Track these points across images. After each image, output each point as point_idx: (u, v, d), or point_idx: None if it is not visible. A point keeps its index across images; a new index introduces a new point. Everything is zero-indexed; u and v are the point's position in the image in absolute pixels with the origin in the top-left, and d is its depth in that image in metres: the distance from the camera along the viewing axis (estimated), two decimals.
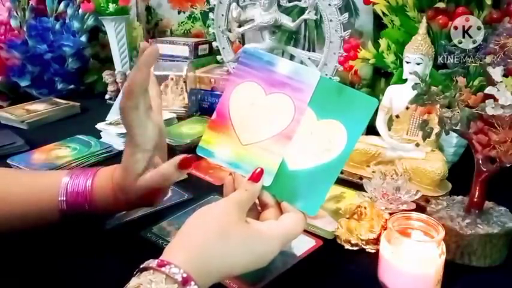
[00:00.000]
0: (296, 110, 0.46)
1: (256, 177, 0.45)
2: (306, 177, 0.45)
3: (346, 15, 0.83)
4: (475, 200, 0.52)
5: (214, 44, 1.04)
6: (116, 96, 1.09)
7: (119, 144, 0.87)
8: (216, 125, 0.50)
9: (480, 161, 0.51)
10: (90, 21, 1.27)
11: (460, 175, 0.60)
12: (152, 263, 0.36)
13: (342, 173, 0.73)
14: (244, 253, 0.41)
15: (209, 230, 0.40)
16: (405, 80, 0.70)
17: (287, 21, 0.91)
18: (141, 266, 0.37)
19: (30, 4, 1.23)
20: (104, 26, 1.24)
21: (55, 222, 0.53)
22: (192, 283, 0.35)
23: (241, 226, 0.42)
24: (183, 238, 0.40)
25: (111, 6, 1.18)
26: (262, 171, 0.46)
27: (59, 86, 1.25)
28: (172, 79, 1.05)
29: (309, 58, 0.94)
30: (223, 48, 1.02)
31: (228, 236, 0.40)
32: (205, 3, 1.26)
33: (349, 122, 0.45)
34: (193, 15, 1.31)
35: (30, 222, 0.53)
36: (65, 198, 0.53)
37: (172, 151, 0.83)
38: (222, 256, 0.40)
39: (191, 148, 0.84)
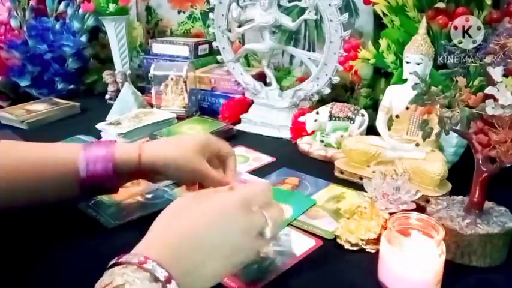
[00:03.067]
0: None
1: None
2: None
3: (346, 15, 0.83)
4: (475, 200, 0.52)
5: (214, 44, 1.04)
6: (116, 96, 1.09)
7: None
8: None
9: (480, 161, 0.51)
10: (90, 21, 1.27)
11: (460, 175, 0.60)
12: (134, 258, 0.36)
13: (342, 173, 0.73)
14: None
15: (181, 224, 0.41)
16: (405, 80, 0.70)
17: (287, 21, 0.91)
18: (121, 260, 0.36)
19: (30, 4, 1.23)
20: (104, 26, 1.24)
21: (73, 194, 0.54)
22: (173, 282, 0.35)
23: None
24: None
25: (111, 6, 1.18)
26: None
27: (59, 86, 1.25)
28: (172, 79, 1.05)
29: (309, 58, 0.94)
30: (223, 48, 1.02)
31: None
32: (205, 3, 1.26)
33: (294, 205, 0.64)
34: (193, 15, 1.31)
35: (48, 195, 0.53)
36: (85, 165, 0.54)
37: None
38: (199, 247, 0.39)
39: None
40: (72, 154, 0.54)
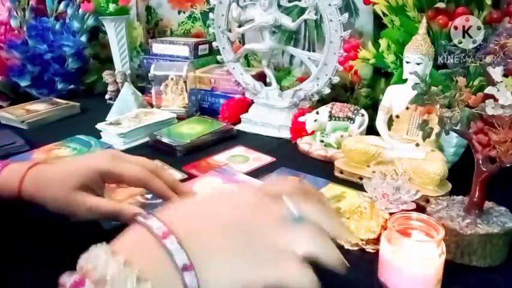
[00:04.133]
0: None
1: None
2: None
3: (346, 15, 0.83)
4: (475, 200, 0.52)
5: (214, 44, 1.04)
6: (116, 96, 1.09)
7: (119, 144, 0.87)
8: None
9: (480, 161, 0.51)
10: (90, 21, 1.27)
11: (460, 175, 0.60)
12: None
13: (342, 172, 0.73)
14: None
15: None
16: (405, 80, 0.70)
17: (287, 21, 0.91)
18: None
19: (30, 4, 1.23)
20: (104, 26, 1.24)
21: None
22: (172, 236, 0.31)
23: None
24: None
25: (111, 6, 1.18)
26: None
27: (59, 86, 1.25)
28: (172, 79, 1.05)
29: (309, 58, 0.94)
30: (223, 48, 1.02)
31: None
32: (205, 3, 1.26)
33: None
34: (193, 15, 1.31)
35: None
36: None
37: (172, 151, 0.83)
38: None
39: (191, 148, 0.84)
40: None
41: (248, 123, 0.98)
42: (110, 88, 1.19)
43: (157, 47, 1.23)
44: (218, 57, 1.06)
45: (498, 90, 0.47)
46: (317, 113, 0.84)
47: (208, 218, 0.35)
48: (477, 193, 0.52)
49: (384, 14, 0.83)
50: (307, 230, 0.35)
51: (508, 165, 0.48)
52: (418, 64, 0.67)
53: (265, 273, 0.33)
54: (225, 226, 0.34)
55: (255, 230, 0.34)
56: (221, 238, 0.33)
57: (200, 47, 1.19)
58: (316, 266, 0.46)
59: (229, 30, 1.00)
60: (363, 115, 0.83)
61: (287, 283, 0.33)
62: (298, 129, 0.88)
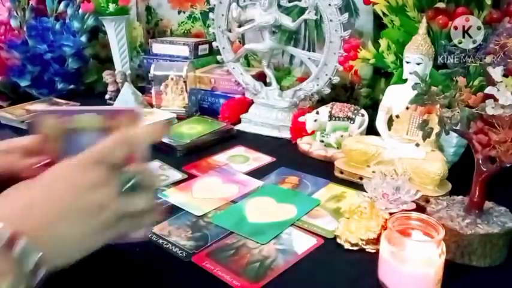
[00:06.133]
0: (239, 191, 0.69)
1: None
2: (262, 225, 0.59)
3: (346, 15, 0.83)
4: (475, 200, 0.52)
5: (214, 44, 1.04)
6: (116, 96, 1.09)
7: None
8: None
9: (480, 161, 0.51)
10: (90, 21, 1.27)
11: (460, 175, 0.60)
12: None
13: (342, 172, 0.73)
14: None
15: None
16: (405, 80, 0.70)
17: (287, 21, 0.91)
18: None
19: (30, 4, 1.23)
20: (104, 26, 1.24)
21: None
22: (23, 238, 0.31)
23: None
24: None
25: (111, 6, 1.18)
26: None
27: (59, 86, 1.25)
28: (172, 79, 1.05)
29: (309, 58, 0.94)
30: (223, 48, 1.02)
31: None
32: (205, 3, 1.26)
33: (298, 205, 0.64)
34: (193, 15, 1.31)
35: None
36: None
37: (172, 151, 0.83)
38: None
39: (191, 148, 0.84)
40: None
41: (248, 123, 0.98)
42: (110, 88, 1.19)
43: (157, 47, 1.23)
44: (218, 57, 1.06)
45: (498, 90, 0.47)
46: (317, 113, 0.84)
47: (49, 205, 0.35)
48: (477, 193, 0.52)
49: (384, 14, 0.83)
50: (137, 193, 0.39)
51: (508, 165, 0.48)
52: (418, 64, 0.67)
53: (106, 238, 0.37)
54: (65, 209, 0.36)
55: (92, 207, 0.36)
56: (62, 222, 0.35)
57: (200, 47, 1.19)
58: (317, 266, 0.47)
59: (229, 30, 1.00)
60: (363, 115, 0.83)
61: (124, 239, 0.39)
62: (298, 129, 0.88)
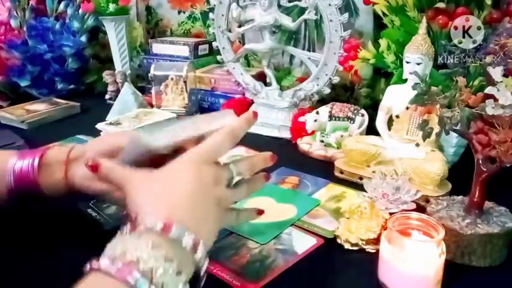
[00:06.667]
0: None
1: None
2: (262, 225, 0.59)
3: (346, 15, 0.83)
4: (475, 200, 0.52)
5: (214, 44, 1.04)
6: (116, 96, 1.09)
7: None
8: None
9: (480, 161, 0.51)
10: (90, 21, 1.27)
11: (460, 175, 0.60)
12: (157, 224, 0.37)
13: (342, 172, 0.73)
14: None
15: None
16: (405, 80, 0.70)
17: (287, 21, 0.91)
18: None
19: (30, 4, 1.23)
20: (104, 26, 1.24)
21: (3, 204, 0.53)
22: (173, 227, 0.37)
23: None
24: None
25: (111, 6, 1.18)
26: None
27: (59, 86, 1.25)
28: (172, 79, 1.05)
29: (309, 58, 0.94)
30: (223, 48, 1.02)
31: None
32: (205, 3, 1.26)
33: (298, 205, 0.64)
34: (193, 15, 1.31)
35: None
36: (12, 178, 0.52)
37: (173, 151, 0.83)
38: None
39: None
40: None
41: None
42: (110, 88, 1.19)
43: (157, 47, 1.23)
44: (218, 57, 1.06)
45: (498, 90, 0.47)
46: (317, 113, 0.84)
47: (185, 198, 0.41)
48: (477, 193, 0.52)
49: (383, 14, 0.83)
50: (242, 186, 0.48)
51: (508, 165, 0.48)
52: (418, 64, 0.67)
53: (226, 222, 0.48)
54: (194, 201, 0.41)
55: (214, 199, 0.43)
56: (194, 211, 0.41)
57: (200, 47, 1.19)
58: (317, 266, 0.47)
59: (229, 30, 1.00)
60: (363, 115, 0.83)
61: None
62: (298, 129, 0.88)
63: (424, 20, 0.68)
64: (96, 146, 0.54)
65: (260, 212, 0.53)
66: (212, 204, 0.42)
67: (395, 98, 0.71)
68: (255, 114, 0.48)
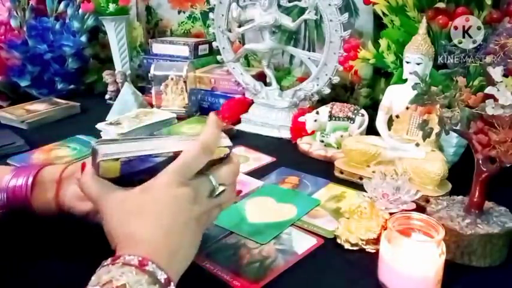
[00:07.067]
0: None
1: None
2: (262, 225, 0.59)
3: (346, 15, 0.83)
4: (475, 200, 0.52)
5: (214, 44, 1.04)
6: (116, 96, 1.09)
7: None
8: None
9: (480, 161, 0.51)
10: (90, 21, 1.27)
11: (460, 175, 0.60)
12: (134, 259, 0.36)
13: (342, 173, 0.73)
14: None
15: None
16: (405, 80, 0.70)
17: (287, 21, 0.91)
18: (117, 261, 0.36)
19: (30, 4, 1.23)
20: (104, 26, 1.24)
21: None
22: (149, 263, 0.36)
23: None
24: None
25: (111, 6, 1.18)
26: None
27: (59, 86, 1.25)
28: (172, 79, 1.05)
29: (309, 58, 0.94)
30: (223, 48, 1.02)
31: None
32: (205, 3, 1.26)
33: (298, 205, 0.64)
34: (193, 15, 1.31)
35: None
36: (5, 195, 0.53)
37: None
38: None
39: None
40: None
41: (248, 123, 0.98)
42: (110, 88, 1.19)
43: (157, 47, 1.23)
44: (218, 57, 1.06)
45: (498, 90, 0.47)
46: (317, 113, 0.84)
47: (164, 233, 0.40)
48: (477, 193, 0.52)
49: (383, 14, 0.83)
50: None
51: (508, 165, 0.48)
52: (418, 64, 0.67)
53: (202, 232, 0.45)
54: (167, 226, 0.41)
55: (194, 219, 0.43)
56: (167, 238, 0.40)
57: (200, 47, 1.19)
58: (317, 266, 0.47)
59: (229, 30, 1.00)
60: (363, 115, 0.83)
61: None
62: (298, 129, 0.88)
63: (424, 20, 0.68)
64: (89, 165, 0.53)
65: (238, 192, 0.51)
66: (189, 228, 0.42)
67: (395, 98, 0.71)
68: (216, 113, 0.48)
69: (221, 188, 0.45)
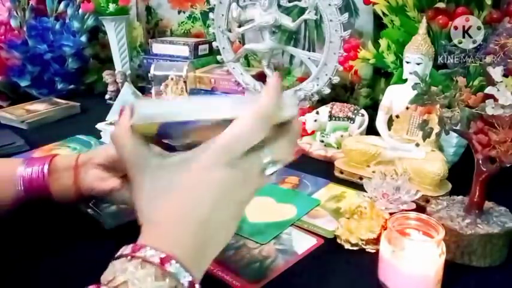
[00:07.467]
0: None
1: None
2: (262, 225, 0.59)
3: (346, 15, 0.83)
4: (475, 200, 0.52)
5: (214, 44, 1.04)
6: (116, 96, 1.09)
7: None
8: None
9: (480, 161, 0.51)
10: (90, 21, 1.27)
11: (460, 175, 0.60)
12: (125, 249, 0.33)
13: (342, 172, 0.73)
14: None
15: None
16: (405, 80, 0.70)
17: (287, 21, 0.91)
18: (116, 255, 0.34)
19: (30, 4, 1.23)
20: (104, 26, 1.24)
21: (3, 213, 0.54)
22: (173, 261, 0.32)
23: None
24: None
25: (111, 6, 1.18)
26: None
27: (59, 86, 1.25)
28: (172, 79, 1.05)
29: (309, 58, 0.94)
30: (223, 48, 1.02)
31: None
32: (205, 3, 1.26)
33: (298, 205, 0.64)
34: (193, 15, 1.31)
35: None
36: (22, 186, 0.53)
37: (173, 151, 0.83)
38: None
39: (191, 147, 0.84)
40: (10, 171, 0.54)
41: None
42: (110, 88, 1.19)
43: (157, 47, 1.23)
44: (218, 57, 1.06)
45: (498, 90, 0.47)
46: (317, 113, 0.84)
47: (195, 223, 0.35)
48: (477, 193, 0.52)
49: (383, 14, 0.83)
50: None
51: (508, 165, 0.48)
52: (418, 64, 0.67)
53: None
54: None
55: (236, 208, 0.38)
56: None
57: (200, 47, 1.19)
58: (317, 266, 0.47)
59: (229, 30, 1.00)
60: (363, 115, 0.83)
61: None
62: None
63: (424, 20, 0.68)
64: (103, 152, 0.54)
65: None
66: (229, 217, 0.36)
67: (395, 98, 0.71)
68: (277, 75, 0.42)
69: (276, 167, 0.37)
